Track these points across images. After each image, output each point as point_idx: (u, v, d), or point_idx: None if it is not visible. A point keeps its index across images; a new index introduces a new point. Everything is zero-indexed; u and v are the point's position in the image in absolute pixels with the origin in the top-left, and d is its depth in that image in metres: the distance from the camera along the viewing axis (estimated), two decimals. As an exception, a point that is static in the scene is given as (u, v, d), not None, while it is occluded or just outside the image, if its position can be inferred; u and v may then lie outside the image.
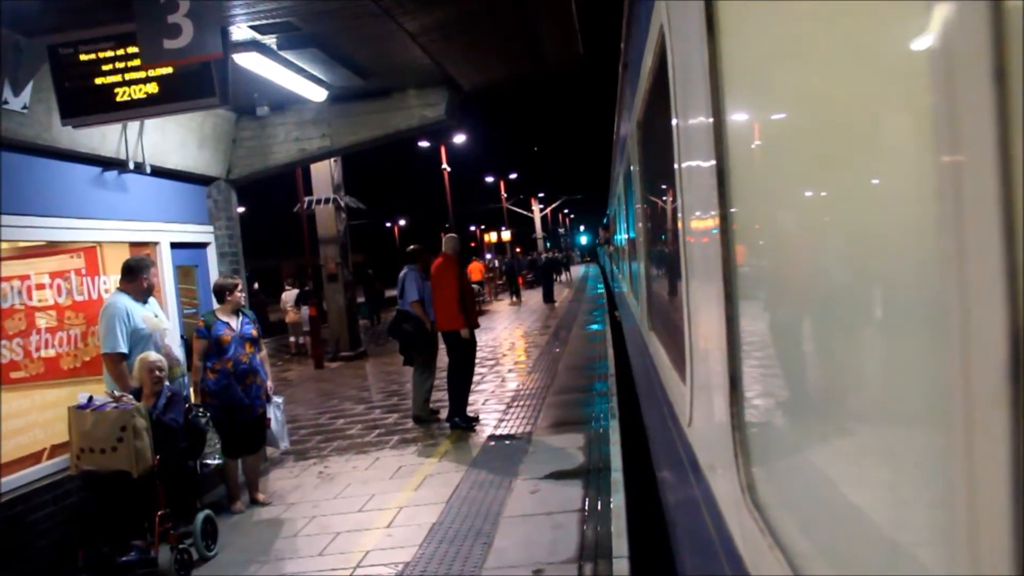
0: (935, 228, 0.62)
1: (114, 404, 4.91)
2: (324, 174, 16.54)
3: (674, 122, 2.10)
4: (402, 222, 76.05)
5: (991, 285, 0.54)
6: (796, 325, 1.22)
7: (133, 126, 6.15)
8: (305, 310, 17.46)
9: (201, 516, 5.28)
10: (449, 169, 32.52)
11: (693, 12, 1.65)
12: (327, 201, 16.42)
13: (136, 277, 5.84)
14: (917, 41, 0.65)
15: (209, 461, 5.97)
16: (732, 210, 1.47)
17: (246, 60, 5.77)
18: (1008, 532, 0.54)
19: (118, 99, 4.77)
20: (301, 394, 12.38)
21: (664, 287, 3.53)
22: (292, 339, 19.12)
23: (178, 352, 5.97)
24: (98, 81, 4.77)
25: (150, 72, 4.73)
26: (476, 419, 8.44)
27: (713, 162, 1.50)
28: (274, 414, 6.38)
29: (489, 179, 54.28)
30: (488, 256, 48.02)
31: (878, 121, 0.80)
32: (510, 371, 12.26)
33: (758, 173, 1.34)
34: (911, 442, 0.78)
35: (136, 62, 4.70)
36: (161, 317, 6.03)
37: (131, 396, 5.06)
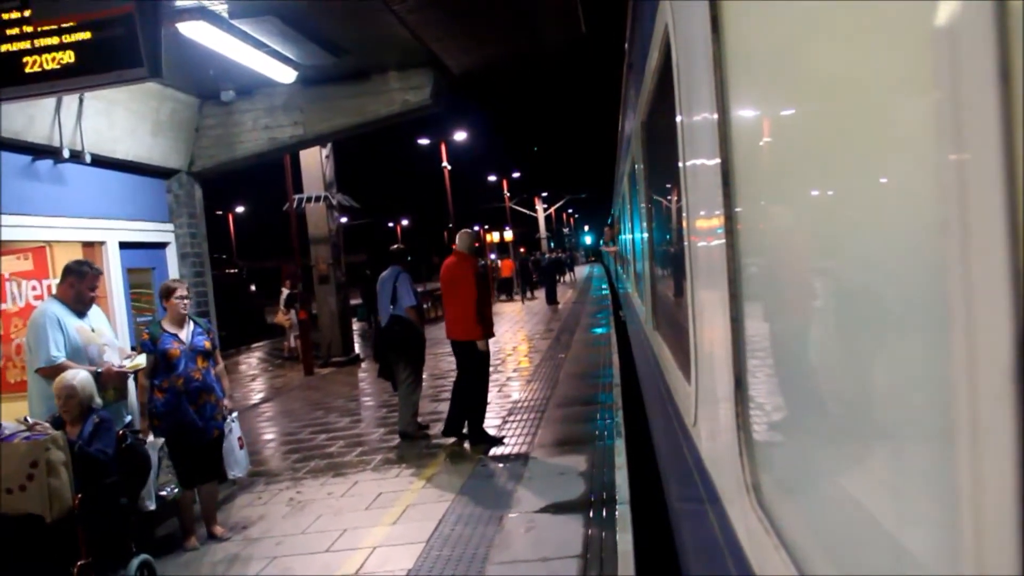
0: (940, 228, 0.62)
1: (26, 434, 4.13)
2: (315, 171, 15.80)
3: (679, 121, 2.09)
4: (405, 222, 75.44)
5: (996, 286, 0.54)
6: (801, 325, 1.21)
7: (69, 108, 5.39)
8: (293, 313, 16.68)
9: (136, 562, 4.50)
10: (450, 167, 31.76)
11: (698, 11, 1.63)
12: (318, 199, 15.66)
13: (63, 281, 5.08)
14: (922, 41, 0.64)
15: (163, 493, 5.18)
16: (737, 210, 1.45)
17: (194, 31, 4.99)
18: (1013, 532, 0.53)
19: (27, 70, 3.99)
20: (286, 404, 11.63)
21: (669, 287, 3.47)
22: (286, 343, 18.39)
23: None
24: (2, 48, 3.99)
25: (64, 38, 3.96)
26: (501, 439, 7.58)
27: (718, 161, 1.49)
28: (227, 436, 5.57)
29: (492, 178, 53.45)
30: (492, 256, 47.27)
31: (882, 121, 0.80)
32: (508, 380, 11.47)
33: (763, 173, 1.33)
34: (916, 442, 0.77)
35: (48, 26, 3.93)
36: (100, 330, 5.26)
37: (48, 424, 4.28)
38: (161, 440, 5.08)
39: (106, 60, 4.00)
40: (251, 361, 18.70)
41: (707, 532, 1.97)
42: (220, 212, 57.12)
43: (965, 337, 0.59)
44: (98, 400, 4.52)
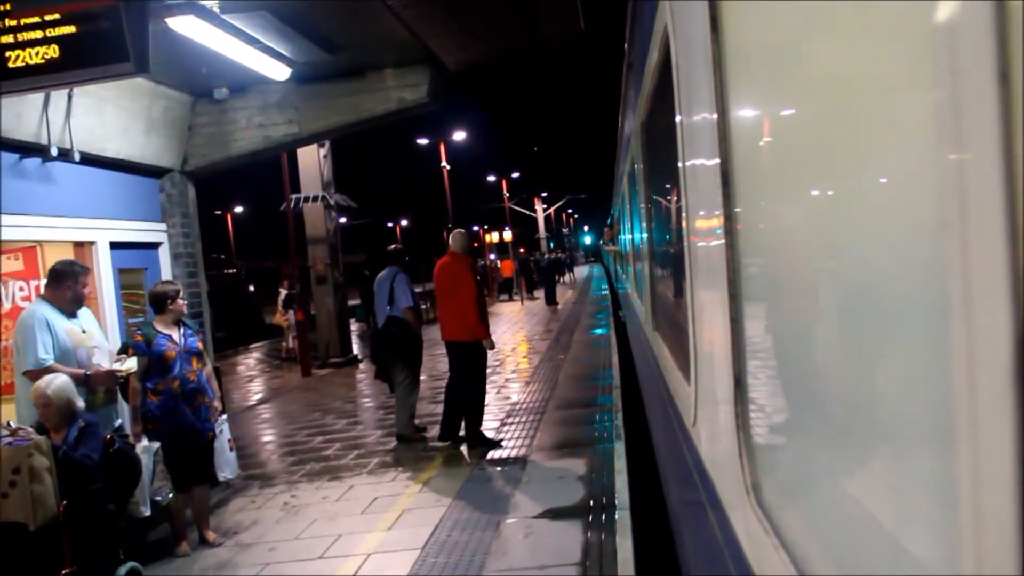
0: (940, 229, 0.62)
1: (8, 439, 4.02)
2: (313, 170, 15.70)
3: (678, 121, 2.10)
4: (404, 222, 75.35)
5: (996, 286, 0.54)
6: (800, 325, 1.21)
7: (58, 105, 5.28)
8: (291, 314, 16.54)
9: (124, 570, 4.40)
10: (449, 167, 31.64)
11: (697, 12, 1.64)
12: (315, 199, 15.55)
13: (60, 284, 4.98)
14: (922, 41, 0.64)
15: (158, 499, 5.07)
16: (736, 210, 1.46)
17: (184, 26, 4.88)
18: (1013, 532, 0.53)
19: (10, 64, 3.88)
20: (283, 405, 11.52)
21: (668, 287, 3.48)
22: (284, 343, 18.26)
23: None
24: (-16, 43, 3.88)
25: (48, 32, 3.85)
26: (499, 442, 7.48)
27: (717, 161, 1.49)
28: (219, 437, 5.50)
29: (491, 178, 53.31)
30: (492, 256, 47.19)
31: (882, 122, 0.80)
32: (507, 381, 11.37)
33: (762, 173, 1.33)
34: (916, 443, 0.77)
35: (30, 19, 3.82)
36: (91, 332, 5.15)
37: (31, 428, 4.17)
38: (156, 444, 4.98)
39: (91, 55, 3.88)
40: (249, 362, 18.59)
41: (707, 533, 1.96)
42: (219, 212, 57.05)
43: (965, 337, 0.59)
44: (80, 404, 4.41)
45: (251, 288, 31.66)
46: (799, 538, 1.15)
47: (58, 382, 4.31)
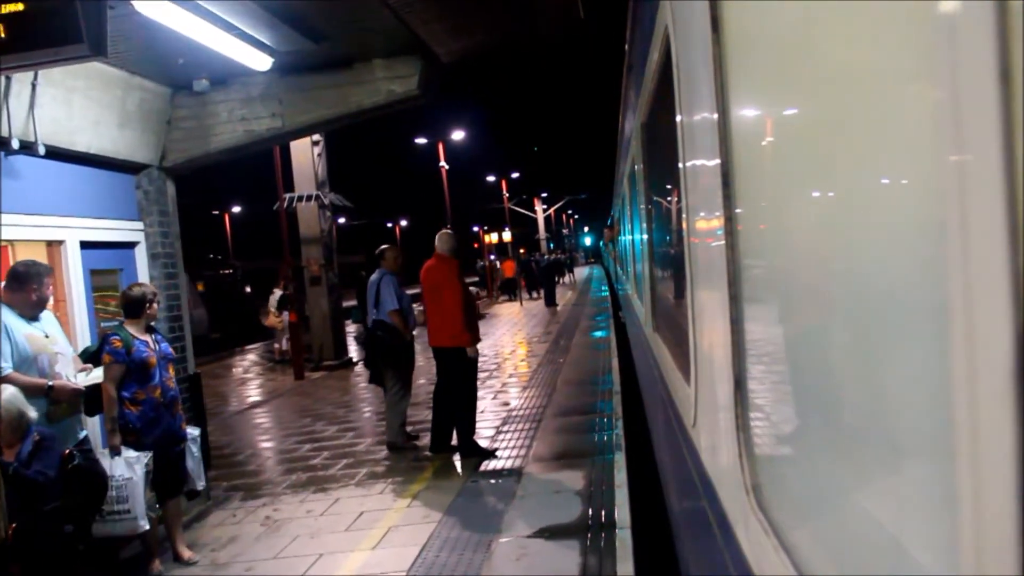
0: (940, 229, 0.61)
1: (-48, 456, 3.68)
2: (307, 169, 15.39)
3: (678, 121, 2.10)
4: (404, 222, 75.02)
5: (996, 286, 0.54)
6: (800, 326, 1.21)
7: (21, 95, 4.94)
8: (286, 315, 16.19)
9: (83, 597, 4.06)
10: (448, 167, 31.30)
11: (698, 12, 1.64)
12: (309, 198, 15.22)
13: (23, 287, 4.65)
14: (922, 41, 0.64)
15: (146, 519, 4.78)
16: (737, 211, 1.46)
17: (152, 9, 4.54)
18: (1013, 533, 0.53)
19: (-48, 47, 3.54)
20: (273, 410, 11.19)
21: (669, 288, 3.49)
22: (277, 345, 17.92)
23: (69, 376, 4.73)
24: (-77, 22, 3.54)
25: (-6, 10, 3.51)
26: (493, 452, 7.12)
27: (718, 162, 1.50)
28: (195, 445, 5.24)
29: (491, 178, 52.89)
30: (492, 257, 46.86)
31: (883, 122, 0.80)
32: (504, 386, 11.02)
33: (763, 174, 1.34)
34: (916, 443, 0.77)
35: (-26, -3, 3.48)
36: (54, 337, 4.81)
37: (-21, 444, 3.83)
38: (148, 454, 4.71)
39: (42, 35, 3.54)
40: (243, 364, 18.25)
41: (707, 534, 1.97)
42: (216, 212, 56.65)
43: (965, 337, 0.59)
44: (32, 414, 4.06)
45: (248, 289, 31.29)
46: (799, 539, 1.15)
47: (5, 395, 3.97)
